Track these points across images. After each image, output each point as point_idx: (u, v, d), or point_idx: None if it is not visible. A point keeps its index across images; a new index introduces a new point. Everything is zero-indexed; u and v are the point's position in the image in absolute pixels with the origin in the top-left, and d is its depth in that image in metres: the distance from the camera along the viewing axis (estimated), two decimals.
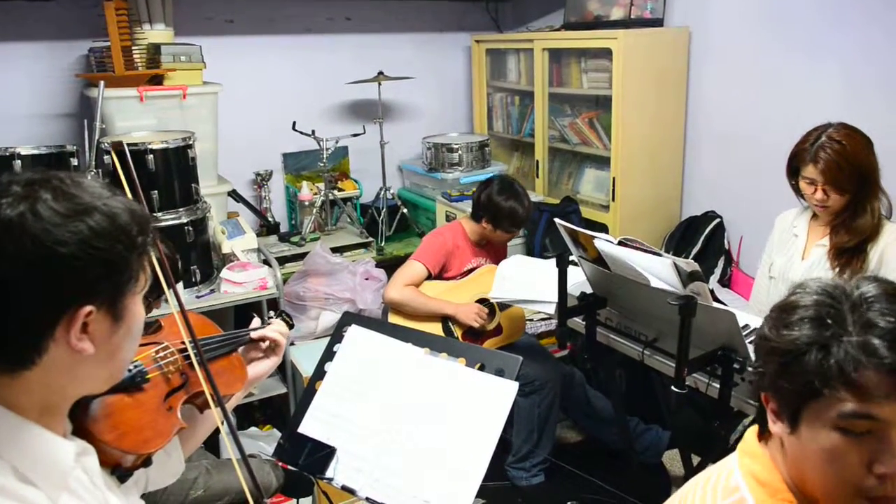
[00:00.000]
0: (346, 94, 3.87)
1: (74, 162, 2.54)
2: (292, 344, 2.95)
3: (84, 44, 3.18)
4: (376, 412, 1.49)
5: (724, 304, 2.15)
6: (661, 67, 3.27)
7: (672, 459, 2.85)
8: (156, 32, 3.09)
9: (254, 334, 1.38)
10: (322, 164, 3.55)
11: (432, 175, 3.78)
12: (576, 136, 3.61)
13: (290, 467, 1.52)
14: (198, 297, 2.67)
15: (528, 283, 2.30)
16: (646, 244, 1.78)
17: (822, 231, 2.10)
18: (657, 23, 3.35)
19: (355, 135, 3.60)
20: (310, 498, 2.40)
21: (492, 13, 4.27)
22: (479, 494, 1.35)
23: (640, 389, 2.83)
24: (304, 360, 2.82)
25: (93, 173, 2.52)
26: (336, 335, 1.65)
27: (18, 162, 2.40)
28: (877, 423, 0.82)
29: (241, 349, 1.37)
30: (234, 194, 3.47)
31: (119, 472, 0.97)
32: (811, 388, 0.84)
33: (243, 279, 2.72)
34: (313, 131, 3.51)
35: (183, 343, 1.16)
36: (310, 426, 1.53)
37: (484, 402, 1.44)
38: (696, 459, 2.37)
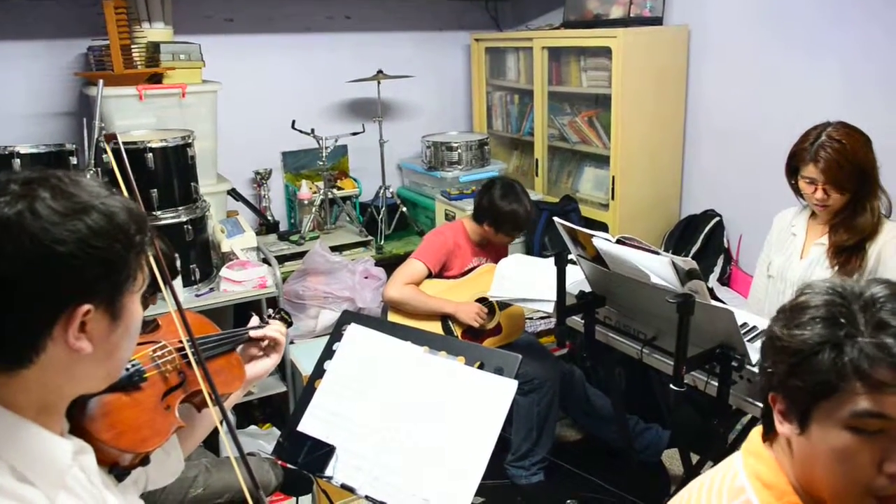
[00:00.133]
0: (345, 93, 3.87)
1: (73, 161, 2.53)
2: (292, 342, 2.95)
3: (83, 42, 3.18)
4: (376, 410, 1.49)
5: (724, 303, 2.15)
6: (661, 66, 3.27)
7: (671, 458, 2.85)
8: (155, 31, 3.08)
9: (252, 333, 1.38)
10: (321, 163, 3.55)
11: (431, 174, 3.78)
12: (575, 135, 3.61)
13: (289, 465, 1.52)
14: (197, 295, 2.68)
15: (527, 281, 2.30)
16: (644, 242, 1.77)
17: (820, 230, 2.11)
18: (656, 21, 3.35)
19: (355, 133, 3.60)
20: (309, 496, 2.41)
21: (491, 12, 4.26)
22: (479, 493, 1.36)
23: (640, 388, 2.84)
24: (304, 358, 2.83)
25: (92, 172, 2.52)
26: (335, 334, 1.66)
27: (17, 161, 2.39)
28: (889, 422, 0.83)
29: (239, 348, 1.37)
30: (233, 193, 3.47)
31: (117, 470, 0.98)
32: (823, 387, 0.85)
33: (242, 278, 2.73)
34: (313, 130, 3.50)
35: (181, 342, 1.16)
36: (309, 424, 1.53)
37: (483, 400, 1.44)
38: (695, 458, 2.37)
